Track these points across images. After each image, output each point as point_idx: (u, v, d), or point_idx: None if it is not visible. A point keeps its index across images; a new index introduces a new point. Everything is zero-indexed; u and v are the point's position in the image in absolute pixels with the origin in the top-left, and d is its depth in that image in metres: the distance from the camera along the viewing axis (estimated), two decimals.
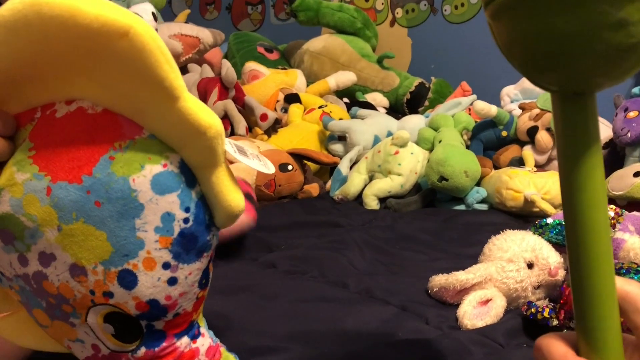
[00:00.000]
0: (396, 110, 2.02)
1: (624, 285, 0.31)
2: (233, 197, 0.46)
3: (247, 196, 0.93)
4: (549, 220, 0.73)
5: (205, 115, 0.43)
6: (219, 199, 0.46)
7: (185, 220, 0.45)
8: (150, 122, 0.44)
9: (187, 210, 0.45)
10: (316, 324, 0.58)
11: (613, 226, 0.70)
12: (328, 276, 0.75)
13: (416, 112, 1.97)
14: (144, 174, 0.44)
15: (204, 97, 1.65)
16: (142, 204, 0.44)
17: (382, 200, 1.31)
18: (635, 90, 1.45)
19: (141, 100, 0.42)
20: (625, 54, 0.28)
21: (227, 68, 1.56)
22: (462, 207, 1.27)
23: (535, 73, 0.32)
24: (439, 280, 0.68)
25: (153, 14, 1.07)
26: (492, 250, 0.70)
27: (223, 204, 0.46)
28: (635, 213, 0.88)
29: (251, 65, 1.84)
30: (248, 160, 0.50)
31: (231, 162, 1.18)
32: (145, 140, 0.45)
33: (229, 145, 0.50)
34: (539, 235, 0.72)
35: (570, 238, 0.32)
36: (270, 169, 0.53)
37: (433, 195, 1.33)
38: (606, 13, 0.27)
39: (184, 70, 1.96)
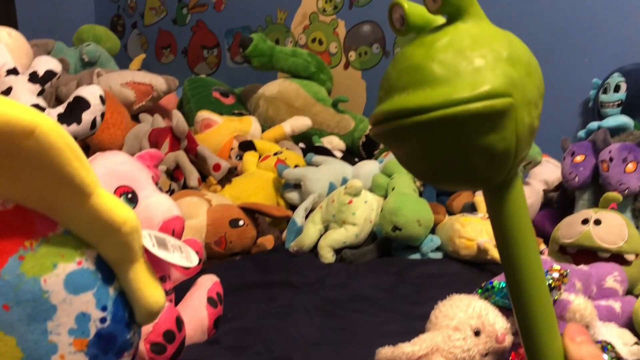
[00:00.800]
0: (353, 153, 2.02)
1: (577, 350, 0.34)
2: (152, 294, 0.45)
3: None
4: (495, 283, 0.72)
5: (120, 210, 0.42)
6: (138, 295, 0.44)
7: (102, 320, 0.43)
8: (64, 218, 0.43)
9: (104, 309, 0.43)
10: None
11: (558, 288, 0.70)
12: (273, 350, 0.72)
13: (372, 155, 1.97)
14: (57, 273, 0.42)
15: (155, 148, 1.62)
16: (55, 305, 0.42)
17: (338, 250, 1.30)
18: (581, 133, 1.49)
19: (53, 197, 0.41)
20: (504, 155, 0.30)
21: (178, 119, 1.54)
22: (417, 255, 1.27)
23: (439, 185, 0.34)
24: (385, 353, 0.66)
25: (101, 97, 1.06)
26: (439, 317, 0.69)
27: (142, 301, 0.44)
28: (582, 267, 0.88)
29: (203, 114, 1.82)
30: (168, 255, 0.48)
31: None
32: (59, 236, 0.43)
33: (147, 239, 0.48)
34: (485, 299, 0.71)
35: (516, 307, 0.35)
36: (192, 261, 0.51)
37: (389, 244, 1.32)
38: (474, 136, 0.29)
39: (135, 119, 1.93)
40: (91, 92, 1.04)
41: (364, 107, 2.30)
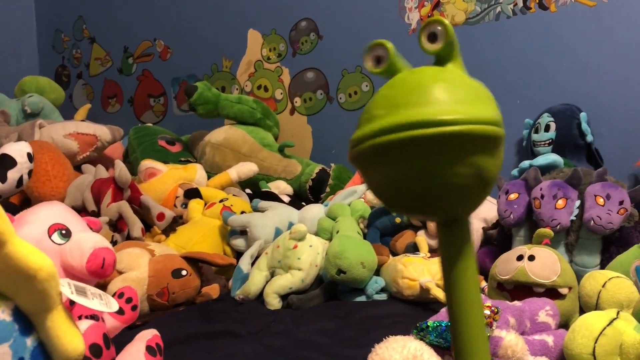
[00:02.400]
0: (301, 197, 2.03)
1: None
2: (70, 341, 0.44)
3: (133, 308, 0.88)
4: (430, 322, 0.73)
5: (35, 257, 0.42)
6: (56, 343, 0.44)
7: None
8: None
9: None
10: None
11: (490, 325, 0.72)
12: None
13: (319, 198, 1.99)
14: None
15: (97, 199, 1.59)
16: None
17: (284, 296, 1.29)
18: (514, 172, 1.54)
19: None
20: (491, 183, 0.34)
21: (120, 169, 1.52)
22: (363, 298, 1.27)
23: (405, 212, 0.39)
24: None
25: (28, 154, 1.06)
26: None
27: (60, 349, 0.44)
28: (515, 303, 0.91)
29: (147, 164, 1.81)
30: (87, 301, 0.48)
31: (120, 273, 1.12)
32: None
33: (66, 287, 0.48)
34: (421, 338, 0.72)
35: (454, 334, 0.38)
36: (112, 307, 0.51)
37: (335, 287, 1.32)
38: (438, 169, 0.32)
39: (78, 169, 1.90)
40: (18, 150, 1.04)
41: (311, 151, 2.33)
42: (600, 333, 0.76)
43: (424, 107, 0.31)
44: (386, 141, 0.31)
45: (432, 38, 0.33)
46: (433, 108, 0.31)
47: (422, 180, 0.32)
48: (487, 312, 0.73)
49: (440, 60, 0.34)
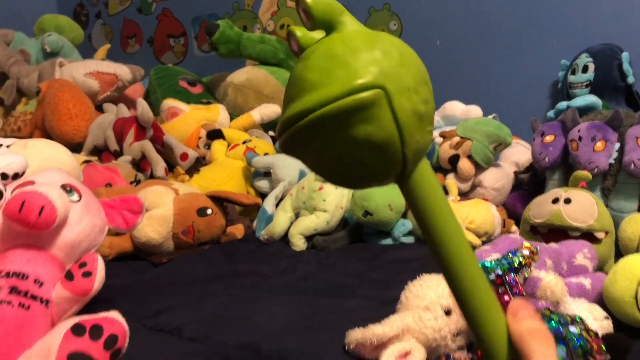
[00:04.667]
0: None
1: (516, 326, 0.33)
2: None
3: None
4: None
5: None
6: None
7: None
8: None
9: None
10: None
11: (529, 265, 0.69)
12: (238, 339, 0.69)
13: None
14: None
15: (120, 138, 1.57)
16: None
17: (309, 237, 1.27)
18: (550, 113, 1.48)
19: None
20: (388, 143, 0.31)
21: (143, 107, 1.49)
22: (389, 240, 1.25)
23: (347, 185, 0.35)
24: (355, 335, 0.64)
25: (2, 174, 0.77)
26: (409, 298, 0.67)
27: None
28: (552, 244, 0.87)
29: (169, 103, 1.77)
30: None
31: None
32: None
33: None
34: None
35: (453, 294, 0.35)
36: None
37: (360, 230, 1.30)
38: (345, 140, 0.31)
39: (100, 109, 1.88)
40: None
41: None
42: None
43: (301, 98, 0.31)
44: (285, 136, 0.32)
45: (307, 14, 0.33)
46: (307, 96, 0.31)
47: (328, 166, 0.32)
48: (526, 252, 0.70)
49: (326, 30, 0.33)
